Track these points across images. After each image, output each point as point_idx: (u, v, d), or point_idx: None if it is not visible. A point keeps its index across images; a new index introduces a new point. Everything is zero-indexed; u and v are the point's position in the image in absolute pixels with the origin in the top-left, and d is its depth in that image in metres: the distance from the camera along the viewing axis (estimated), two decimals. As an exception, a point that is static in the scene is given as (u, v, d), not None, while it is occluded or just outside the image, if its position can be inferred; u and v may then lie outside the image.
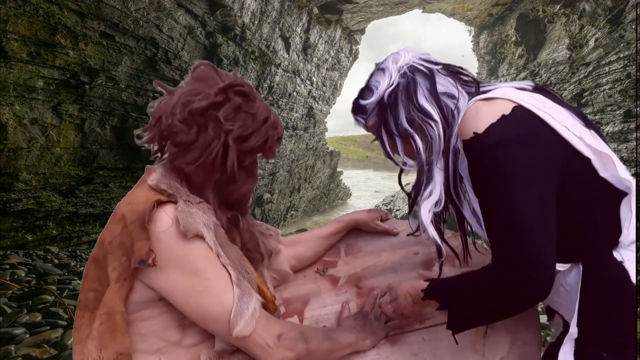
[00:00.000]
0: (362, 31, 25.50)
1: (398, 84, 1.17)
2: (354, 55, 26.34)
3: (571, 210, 1.05)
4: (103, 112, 10.40)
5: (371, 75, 1.25)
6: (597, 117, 14.37)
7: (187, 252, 1.05)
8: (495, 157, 1.01)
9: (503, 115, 1.05)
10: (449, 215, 1.27)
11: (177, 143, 1.10)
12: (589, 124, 1.11)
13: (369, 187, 50.60)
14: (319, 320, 1.42)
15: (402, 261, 1.46)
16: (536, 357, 1.24)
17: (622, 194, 1.08)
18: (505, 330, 1.30)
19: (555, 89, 17.99)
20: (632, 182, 1.07)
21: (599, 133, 1.12)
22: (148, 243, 1.03)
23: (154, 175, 1.14)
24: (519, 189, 0.98)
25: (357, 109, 1.25)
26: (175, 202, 1.07)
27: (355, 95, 1.27)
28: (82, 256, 8.92)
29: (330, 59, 23.42)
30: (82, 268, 7.05)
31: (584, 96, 15.40)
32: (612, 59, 13.31)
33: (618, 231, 1.08)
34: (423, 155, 1.16)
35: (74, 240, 10.70)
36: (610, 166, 1.07)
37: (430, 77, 1.17)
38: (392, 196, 28.94)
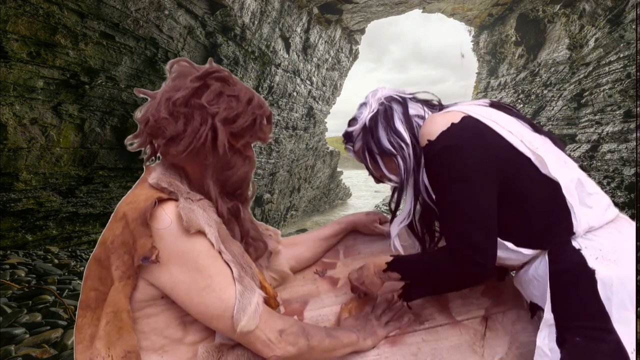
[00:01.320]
0: (362, 31, 25.49)
1: (377, 111, 1.36)
2: (354, 55, 26.34)
3: (528, 199, 1.20)
4: (103, 112, 10.40)
5: (358, 109, 1.43)
6: (597, 117, 14.38)
7: (190, 249, 1.06)
8: (444, 161, 1.20)
9: (452, 124, 1.23)
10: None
11: (167, 137, 1.11)
12: (538, 131, 1.29)
13: (369, 187, 50.58)
14: (318, 321, 1.42)
15: None
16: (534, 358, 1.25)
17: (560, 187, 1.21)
18: (504, 331, 1.31)
19: (555, 89, 18.03)
20: (561, 179, 1.20)
21: (550, 137, 1.31)
22: (150, 240, 1.03)
23: (154, 173, 1.14)
24: (463, 187, 1.17)
25: (346, 137, 1.43)
26: (176, 200, 1.08)
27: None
28: (82, 256, 8.92)
29: (330, 59, 23.42)
30: (82, 268, 7.06)
31: (584, 96, 15.41)
32: (612, 59, 13.31)
33: (570, 220, 1.19)
34: (403, 173, 1.33)
35: (74, 240, 10.71)
36: (553, 166, 1.21)
37: (403, 103, 1.37)
38: (392, 196, 28.82)
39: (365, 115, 1.37)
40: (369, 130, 1.36)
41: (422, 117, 1.36)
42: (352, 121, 1.42)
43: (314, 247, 1.52)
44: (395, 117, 1.34)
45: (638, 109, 11.86)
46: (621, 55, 12.77)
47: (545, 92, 18.85)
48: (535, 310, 1.30)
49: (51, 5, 8.27)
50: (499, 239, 1.19)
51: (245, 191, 1.23)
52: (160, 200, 1.06)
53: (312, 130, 23.81)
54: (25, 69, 8.26)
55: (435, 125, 1.25)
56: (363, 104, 1.41)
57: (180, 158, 1.14)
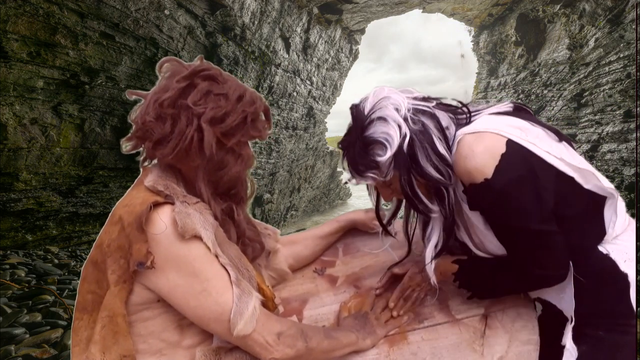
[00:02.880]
0: (362, 31, 25.49)
1: (412, 132, 1.15)
2: (354, 55, 26.34)
3: (566, 216, 1.17)
4: (103, 112, 10.40)
5: (368, 125, 1.17)
6: (597, 117, 14.38)
7: (186, 253, 1.05)
8: (508, 197, 1.12)
9: (502, 155, 1.11)
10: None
11: (154, 139, 1.10)
12: (561, 137, 1.22)
13: (369, 187, 50.38)
14: (317, 320, 1.42)
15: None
16: (534, 356, 1.25)
17: (605, 199, 1.20)
18: (504, 329, 1.30)
19: (555, 89, 18.03)
20: (614, 189, 1.20)
21: (571, 144, 1.25)
22: (146, 245, 1.02)
23: (150, 176, 1.13)
24: (531, 218, 1.11)
25: (367, 166, 1.17)
26: (172, 203, 1.07)
27: (350, 150, 1.21)
28: (82, 256, 8.92)
29: (330, 59, 23.42)
30: (82, 267, 7.03)
31: (584, 96, 15.41)
32: (612, 59, 13.31)
33: (603, 232, 1.20)
34: (450, 202, 1.20)
35: (74, 240, 10.71)
36: (592, 178, 1.18)
37: (434, 116, 1.18)
38: (392, 196, 28.84)
39: (397, 139, 1.13)
40: (408, 157, 1.14)
41: (449, 130, 1.20)
42: (377, 145, 1.16)
43: (312, 246, 1.51)
44: (434, 137, 1.16)
45: (638, 109, 11.86)
46: (621, 55, 12.77)
47: (545, 92, 18.85)
48: (541, 306, 1.32)
49: (51, 5, 8.27)
50: None
51: (240, 191, 1.22)
52: (156, 204, 1.05)
53: (312, 130, 23.81)
54: (25, 69, 8.26)
55: (482, 158, 1.12)
56: (382, 120, 1.16)
57: (172, 160, 1.12)
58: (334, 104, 26.36)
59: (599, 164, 13.39)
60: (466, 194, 1.20)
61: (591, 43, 14.76)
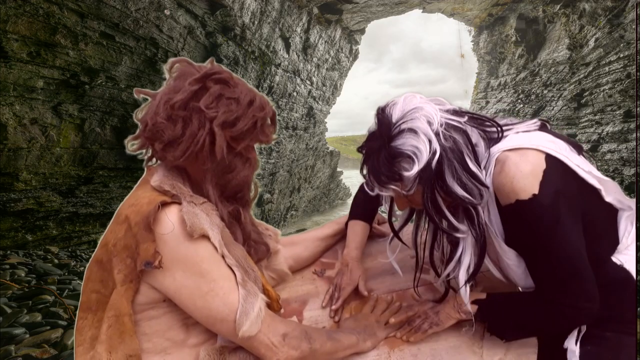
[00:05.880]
0: (362, 31, 25.50)
1: (442, 148, 1.08)
2: (354, 55, 26.35)
3: (588, 229, 1.17)
4: (103, 112, 10.40)
5: (397, 135, 1.10)
6: (597, 117, 14.39)
7: (193, 253, 1.05)
8: (557, 214, 1.09)
9: (544, 171, 1.09)
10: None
11: (165, 141, 1.09)
12: (580, 151, 1.22)
13: (369, 187, 50.35)
14: (317, 321, 1.42)
15: (399, 264, 1.46)
16: (532, 359, 1.25)
17: (620, 210, 1.22)
18: (504, 331, 1.30)
19: (555, 89, 18.04)
20: (632, 201, 1.22)
21: (583, 154, 1.23)
22: (153, 245, 1.02)
23: (156, 175, 1.13)
24: (572, 238, 1.10)
25: (391, 178, 1.11)
26: (179, 203, 1.07)
27: (374, 159, 1.14)
28: (82, 256, 8.92)
29: (330, 59, 23.43)
30: (82, 268, 7.06)
31: (584, 96, 15.41)
32: (612, 59, 13.31)
33: (616, 242, 1.21)
34: (480, 223, 1.15)
35: (74, 240, 10.71)
36: (613, 190, 1.19)
37: (465, 132, 1.13)
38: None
39: (426, 155, 1.07)
40: (435, 174, 1.09)
41: (478, 147, 1.15)
42: (404, 159, 1.09)
43: (312, 247, 1.52)
44: (465, 155, 1.10)
45: (638, 109, 11.86)
46: (621, 55, 12.77)
47: (545, 92, 18.85)
48: None
49: (51, 5, 8.28)
50: None
51: (246, 194, 1.22)
52: (164, 204, 1.05)
53: (312, 130, 23.81)
54: (25, 69, 8.26)
55: (525, 173, 1.09)
56: (412, 132, 1.09)
57: (182, 162, 1.12)
58: (333, 104, 26.38)
59: (599, 164, 13.40)
60: (507, 213, 1.15)
61: (591, 43, 14.76)
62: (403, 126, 1.10)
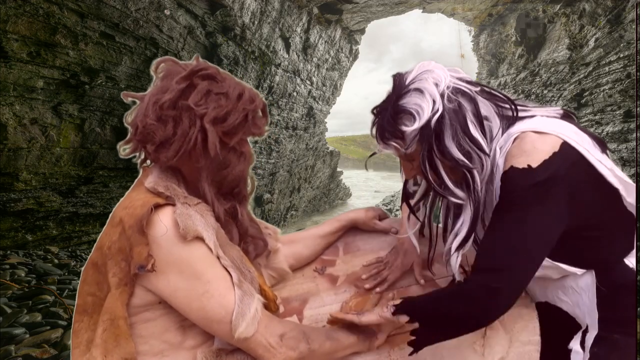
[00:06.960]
0: (362, 31, 25.49)
1: (445, 109, 1.10)
2: (354, 55, 26.34)
3: (591, 229, 1.15)
4: (103, 112, 10.40)
5: (404, 95, 1.13)
6: (597, 117, 14.38)
7: (187, 255, 1.04)
8: (543, 195, 1.06)
9: (554, 153, 1.08)
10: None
11: (157, 142, 1.08)
12: (604, 148, 1.18)
13: (369, 187, 50.61)
14: (318, 320, 1.41)
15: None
16: (534, 357, 1.25)
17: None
18: (505, 330, 1.30)
19: (555, 89, 18.03)
20: None
21: (607, 152, 1.20)
22: (147, 248, 1.01)
23: (151, 177, 1.12)
24: (544, 223, 1.07)
25: (393, 134, 1.13)
26: (173, 205, 1.06)
27: (381, 116, 1.17)
28: (82, 256, 8.92)
29: (330, 59, 23.42)
30: (82, 268, 7.03)
31: (584, 96, 15.41)
32: (612, 59, 13.31)
33: (631, 246, 1.19)
34: (476, 190, 1.14)
35: (74, 240, 10.71)
36: (634, 193, 1.16)
37: (474, 100, 1.13)
38: (392, 196, 28.95)
39: (429, 114, 1.09)
40: (433, 134, 1.10)
41: (489, 121, 1.15)
42: (406, 115, 1.12)
43: (312, 245, 1.51)
44: (467, 120, 1.11)
45: (638, 109, 11.86)
46: (621, 55, 12.77)
47: (545, 92, 18.85)
48: (543, 309, 1.31)
49: (51, 5, 8.27)
50: (553, 262, 1.15)
51: (243, 189, 1.21)
52: (157, 206, 1.04)
53: (312, 130, 23.81)
54: (25, 69, 8.26)
55: (537, 152, 1.08)
56: (418, 91, 1.11)
57: (175, 162, 1.11)
58: (333, 104, 26.37)
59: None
60: (501, 181, 1.13)
61: (591, 43, 14.76)
62: (411, 86, 1.13)
